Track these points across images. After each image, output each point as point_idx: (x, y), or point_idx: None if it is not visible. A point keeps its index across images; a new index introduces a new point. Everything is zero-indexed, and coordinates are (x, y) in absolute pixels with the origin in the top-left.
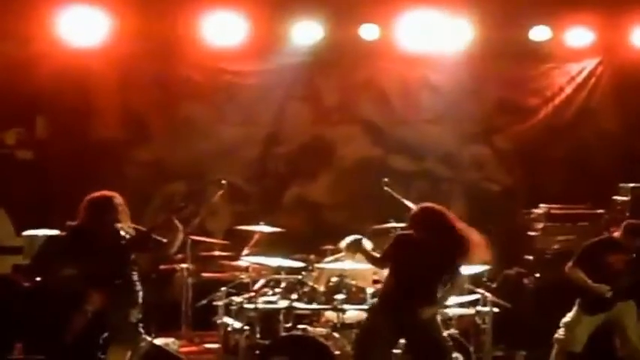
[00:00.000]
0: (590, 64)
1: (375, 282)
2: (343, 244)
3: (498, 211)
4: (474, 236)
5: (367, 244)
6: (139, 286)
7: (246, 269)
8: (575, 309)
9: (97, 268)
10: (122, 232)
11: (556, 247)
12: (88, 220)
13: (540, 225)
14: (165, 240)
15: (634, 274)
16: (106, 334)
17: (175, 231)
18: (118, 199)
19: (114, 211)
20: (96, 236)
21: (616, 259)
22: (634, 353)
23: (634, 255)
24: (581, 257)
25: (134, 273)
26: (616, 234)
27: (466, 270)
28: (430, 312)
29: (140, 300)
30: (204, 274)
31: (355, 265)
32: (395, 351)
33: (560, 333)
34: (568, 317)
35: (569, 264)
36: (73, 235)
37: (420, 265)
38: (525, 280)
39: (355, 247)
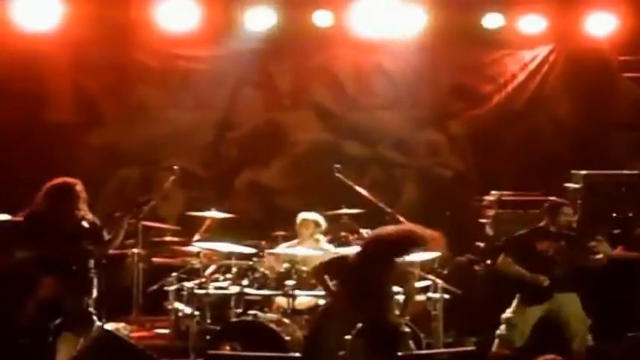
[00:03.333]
0: (542, 51)
1: None
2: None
3: (451, 198)
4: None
5: (322, 222)
6: (93, 274)
7: (197, 255)
8: (514, 303)
9: (53, 254)
10: (82, 221)
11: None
12: (47, 207)
13: (491, 212)
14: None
15: (567, 262)
16: (58, 321)
17: (120, 227)
18: (79, 186)
19: (75, 198)
20: (55, 223)
21: (545, 246)
22: (582, 344)
23: (562, 242)
24: (512, 249)
25: (90, 261)
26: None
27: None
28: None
29: (94, 288)
30: (155, 260)
31: (306, 251)
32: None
33: (502, 329)
34: (509, 313)
35: (500, 257)
36: (30, 221)
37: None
38: (476, 267)
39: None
